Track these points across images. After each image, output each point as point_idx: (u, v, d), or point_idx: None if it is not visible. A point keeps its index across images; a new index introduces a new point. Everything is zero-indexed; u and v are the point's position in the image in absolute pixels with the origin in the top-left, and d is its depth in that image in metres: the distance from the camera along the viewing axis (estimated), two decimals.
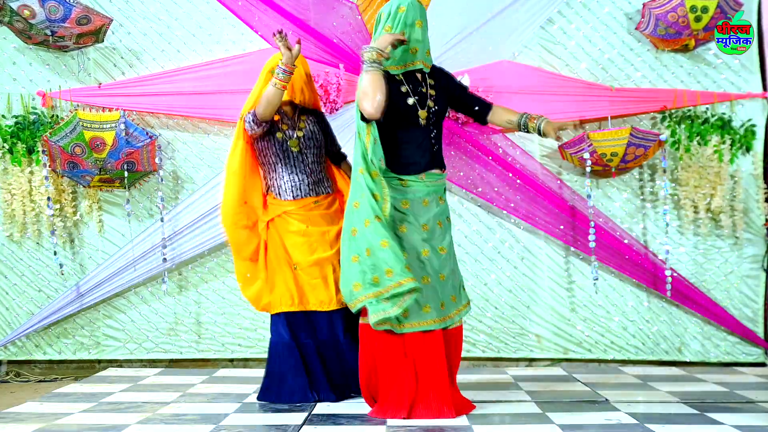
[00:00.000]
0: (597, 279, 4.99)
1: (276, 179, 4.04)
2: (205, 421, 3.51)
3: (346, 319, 3.95)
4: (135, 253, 5.03)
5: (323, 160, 4.14)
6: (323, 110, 4.37)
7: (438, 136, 3.77)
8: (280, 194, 4.03)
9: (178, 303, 5.14)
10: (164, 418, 3.61)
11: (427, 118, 3.70)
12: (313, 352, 3.95)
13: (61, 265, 4.99)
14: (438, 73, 3.83)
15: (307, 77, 4.07)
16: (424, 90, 3.71)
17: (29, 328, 5.03)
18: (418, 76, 3.73)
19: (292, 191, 4.02)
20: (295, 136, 4.01)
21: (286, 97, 3.97)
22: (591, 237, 4.92)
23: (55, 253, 4.96)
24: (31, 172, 4.98)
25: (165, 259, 5.01)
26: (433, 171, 3.71)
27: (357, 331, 3.77)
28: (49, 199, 4.90)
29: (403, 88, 3.68)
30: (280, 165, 4.03)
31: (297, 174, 4.02)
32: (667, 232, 5.02)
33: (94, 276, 5.05)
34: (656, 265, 5.04)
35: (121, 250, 5.06)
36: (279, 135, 4.01)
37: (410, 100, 3.67)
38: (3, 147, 4.99)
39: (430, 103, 3.71)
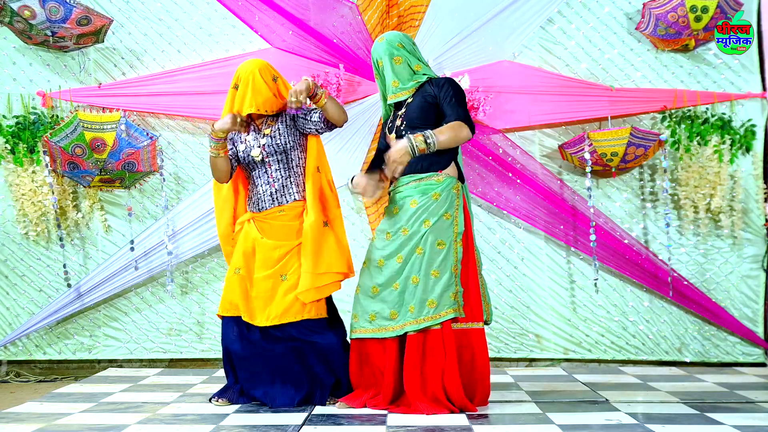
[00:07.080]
0: (597, 279, 5.01)
1: (250, 189, 3.93)
2: (205, 421, 3.51)
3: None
4: (136, 254, 5.04)
5: (292, 165, 3.85)
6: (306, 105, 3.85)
7: None
8: (249, 205, 3.91)
9: (178, 303, 5.14)
10: (164, 418, 3.61)
11: (396, 138, 3.79)
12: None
13: (66, 272, 5.06)
14: (429, 87, 3.78)
15: (273, 88, 3.79)
16: (399, 112, 3.86)
17: (29, 328, 5.04)
18: (402, 101, 3.85)
19: (258, 203, 3.86)
20: (257, 145, 3.83)
21: (252, 111, 3.75)
22: (592, 237, 4.93)
23: (64, 268, 5.05)
24: (33, 172, 4.99)
25: (170, 252, 5.00)
26: (403, 177, 3.79)
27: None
28: (54, 199, 4.94)
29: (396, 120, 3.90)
30: (249, 176, 3.92)
31: (261, 185, 3.84)
32: (668, 232, 5.03)
33: (94, 276, 5.05)
34: (656, 265, 5.04)
35: (120, 251, 5.07)
36: (242, 147, 3.88)
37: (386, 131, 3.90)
38: (5, 148, 5.00)
39: (398, 122, 3.84)
